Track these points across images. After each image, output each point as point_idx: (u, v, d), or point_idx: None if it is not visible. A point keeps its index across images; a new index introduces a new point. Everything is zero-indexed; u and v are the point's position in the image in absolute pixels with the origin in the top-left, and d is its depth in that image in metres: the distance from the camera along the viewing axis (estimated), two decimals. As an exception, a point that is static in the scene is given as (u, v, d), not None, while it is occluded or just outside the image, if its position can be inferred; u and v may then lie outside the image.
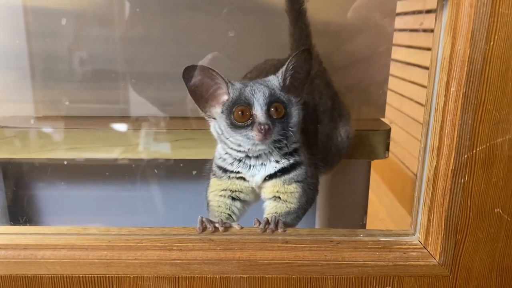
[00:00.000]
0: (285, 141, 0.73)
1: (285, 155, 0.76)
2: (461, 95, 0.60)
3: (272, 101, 0.70)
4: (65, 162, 1.04)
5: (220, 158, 0.78)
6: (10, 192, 1.09)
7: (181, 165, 1.07)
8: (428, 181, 0.68)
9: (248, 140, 0.71)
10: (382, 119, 1.07)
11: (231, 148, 0.75)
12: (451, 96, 0.62)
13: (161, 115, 1.06)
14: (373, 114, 1.06)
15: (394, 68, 1.10)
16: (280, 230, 0.72)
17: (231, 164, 0.77)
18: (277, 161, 0.75)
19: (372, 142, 0.99)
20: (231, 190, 0.78)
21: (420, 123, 0.71)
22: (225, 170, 0.78)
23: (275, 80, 0.73)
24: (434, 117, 0.66)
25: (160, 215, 1.16)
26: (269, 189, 0.77)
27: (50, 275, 0.65)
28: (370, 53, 1.03)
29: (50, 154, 1.00)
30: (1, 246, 0.67)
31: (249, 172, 0.76)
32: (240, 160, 0.76)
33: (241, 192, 0.79)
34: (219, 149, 0.78)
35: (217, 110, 0.73)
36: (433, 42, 0.65)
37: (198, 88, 0.72)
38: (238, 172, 0.77)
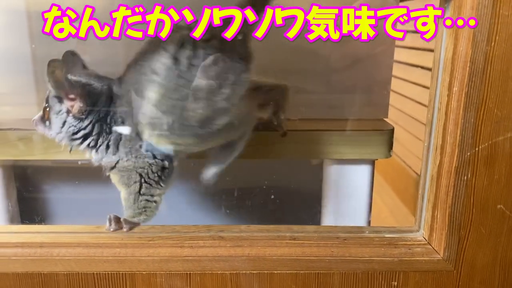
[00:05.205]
0: None
1: None
2: (463, 95, 0.62)
3: None
4: (79, 162, 1.06)
5: None
6: (22, 194, 1.10)
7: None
8: (432, 178, 0.69)
9: None
10: (386, 119, 1.08)
11: None
12: (453, 95, 0.64)
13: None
14: (376, 114, 1.07)
15: (396, 70, 1.12)
16: (125, 230, 0.74)
17: None
18: None
19: (376, 141, 1.01)
20: None
21: (422, 124, 0.72)
22: None
23: None
24: (437, 117, 0.67)
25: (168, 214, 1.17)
26: None
27: (65, 272, 0.67)
28: (373, 53, 1.05)
29: (56, 156, 1.02)
30: (18, 244, 0.69)
31: None
32: None
33: None
34: None
35: None
36: (436, 43, 0.67)
37: None
38: None
